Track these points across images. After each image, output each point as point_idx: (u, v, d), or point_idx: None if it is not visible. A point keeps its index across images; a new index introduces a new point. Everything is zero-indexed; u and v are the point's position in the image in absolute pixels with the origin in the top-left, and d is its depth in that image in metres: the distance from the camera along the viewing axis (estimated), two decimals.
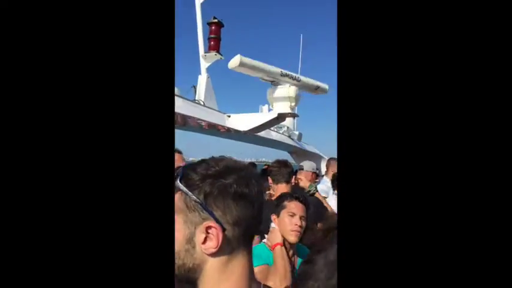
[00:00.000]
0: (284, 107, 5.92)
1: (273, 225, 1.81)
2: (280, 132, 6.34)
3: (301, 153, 6.66)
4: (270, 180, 2.65)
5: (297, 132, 6.76)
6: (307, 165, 3.68)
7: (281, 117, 5.69)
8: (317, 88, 6.67)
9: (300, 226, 1.76)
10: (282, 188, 2.54)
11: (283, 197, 1.90)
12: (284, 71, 6.06)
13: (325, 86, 6.92)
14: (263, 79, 6.09)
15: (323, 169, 5.24)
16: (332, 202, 3.41)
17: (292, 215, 1.77)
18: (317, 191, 3.16)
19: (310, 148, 7.14)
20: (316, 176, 3.78)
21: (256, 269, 1.70)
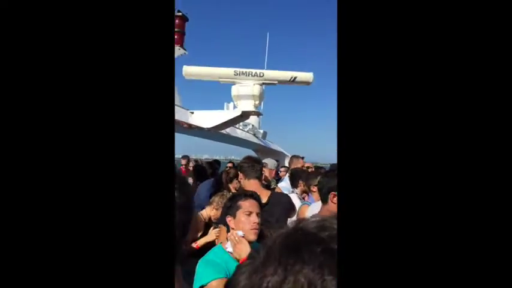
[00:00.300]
0: (248, 105, 5.90)
1: (240, 233, 1.72)
2: (245, 130, 6.34)
3: (265, 151, 6.70)
4: (241, 176, 2.66)
5: (261, 131, 6.78)
6: (270, 162, 3.75)
7: (245, 115, 5.68)
8: (294, 79, 6.36)
9: (258, 223, 1.74)
10: (253, 184, 2.56)
11: (236, 197, 1.85)
12: (239, 70, 5.99)
13: (306, 75, 6.43)
14: (220, 81, 6.03)
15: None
16: (296, 202, 3.44)
17: (249, 214, 1.74)
18: (276, 186, 3.20)
19: (274, 146, 7.19)
20: (277, 173, 3.87)
21: (214, 283, 1.56)
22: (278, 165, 4.62)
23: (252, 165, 2.64)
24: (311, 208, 2.84)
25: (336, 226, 0.51)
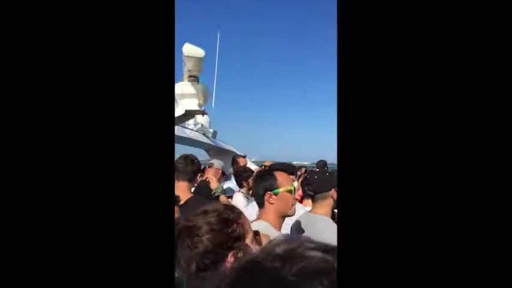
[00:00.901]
0: (192, 104, 5.76)
1: None
2: (195, 129, 6.21)
3: (216, 151, 6.62)
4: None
5: (211, 130, 6.68)
6: (217, 163, 3.72)
7: (189, 114, 5.54)
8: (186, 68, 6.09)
9: None
10: (182, 186, 2.38)
11: None
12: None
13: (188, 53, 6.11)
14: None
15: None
16: (237, 199, 3.39)
17: None
18: (223, 193, 2.97)
19: (226, 146, 7.15)
20: (223, 173, 3.85)
21: None
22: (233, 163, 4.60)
23: (185, 166, 2.47)
24: (249, 208, 2.78)
25: (308, 252, 0.37)
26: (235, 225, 0.97)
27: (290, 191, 1.68)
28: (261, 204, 1.72)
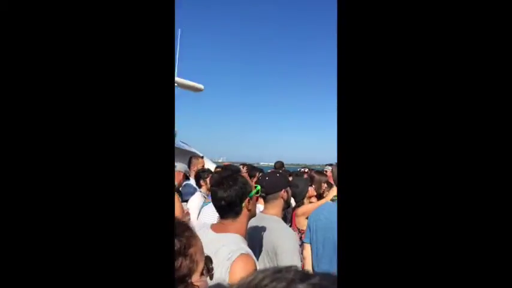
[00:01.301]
0: None
1: None
2: None
3: (178, 152, 6.31)
4: None
5: None
6: (180, 166, 3.84)
7: None
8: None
9: None
10: None
11: None
12: None
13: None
14: None
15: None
16: (192, 204, 3.35)
17: None
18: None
19: (188, 147, 6.91)
20: (187, 177, 3.99)
21: None
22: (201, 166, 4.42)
23: None
24: (204, 210, 2.77)
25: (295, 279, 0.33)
26: (180, 259, 0.78)
27: (258, 191, 1.56)
28: (237, 213, 1.45)
